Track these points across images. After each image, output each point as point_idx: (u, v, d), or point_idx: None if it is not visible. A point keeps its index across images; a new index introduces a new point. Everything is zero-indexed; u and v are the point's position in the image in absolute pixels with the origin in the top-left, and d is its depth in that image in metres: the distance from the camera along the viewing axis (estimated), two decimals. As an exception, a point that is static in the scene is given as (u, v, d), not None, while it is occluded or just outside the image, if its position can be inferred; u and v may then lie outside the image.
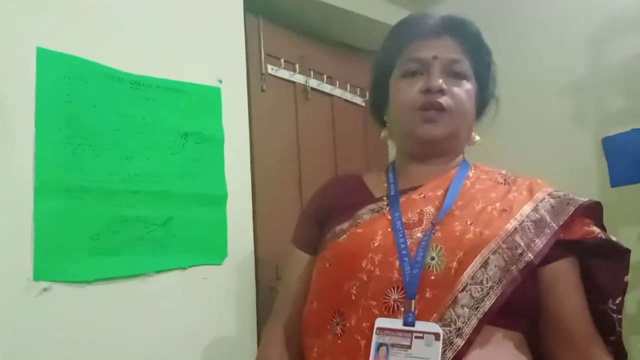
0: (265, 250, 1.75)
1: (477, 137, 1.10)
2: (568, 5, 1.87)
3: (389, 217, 0.96)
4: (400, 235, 0.91)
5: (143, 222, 1.42)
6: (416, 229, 0.93)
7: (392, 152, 2.39)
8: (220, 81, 1.67)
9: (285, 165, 1.96)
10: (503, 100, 1.97)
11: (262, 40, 1.92)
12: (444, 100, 0.97)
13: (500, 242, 0.87)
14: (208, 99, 1.63)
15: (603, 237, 0.91)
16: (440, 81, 0.97)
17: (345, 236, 0.98)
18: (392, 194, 1.02)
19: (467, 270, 0.84)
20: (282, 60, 1.99)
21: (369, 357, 0.83)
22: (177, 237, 1.49)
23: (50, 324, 1.24)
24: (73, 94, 1.34)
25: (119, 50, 1.45)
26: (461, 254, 0.86)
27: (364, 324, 0.86)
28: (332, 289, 0.93)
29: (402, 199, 1.00)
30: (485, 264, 0.85)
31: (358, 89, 2.29)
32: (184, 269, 1.50)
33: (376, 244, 0.93)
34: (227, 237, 1.62)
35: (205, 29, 1.67)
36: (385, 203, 1.01)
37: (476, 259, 0.85)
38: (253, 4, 1.85)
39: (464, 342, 0.80)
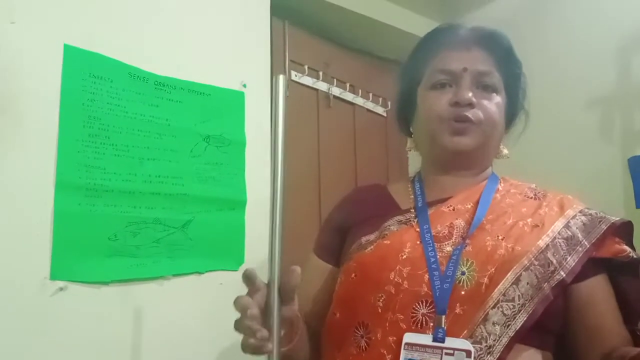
0: (283, 259, 1.72)
1: (506, 151, 1.08)
2: (596, 17, 1.84)
3: (417, 229, 0.94)
4: (430, 249, 0.89)
5: (162, 225, 1.41)
6: (446, 243, 0.91)
7: (412, 163, 2.37)
8: (245, 85, 1.66)
9: (305, 173, 1.95)
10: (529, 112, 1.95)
11: (287, 46, 1.90)
12: (473, 113, 0.96)
13: (532, 259, 0.86)
14: (231, 103, 1.62)
15: (635, 256, 0.90)
16: (470, 94, 0.96)
17: (372, 247, 0.96)
18: (419, 205, 1.00)
19: (498, 287, 0.83)
20: (306, 67, 1.98)
21: None
22: (195, 240, 1.47)
23: (64, 323, 1.23)
24: (97, 92, 1.33)
25: (144, 51, 1.45)
26: (492, 269, 0.85)
27: (391, 338, 0.84)
28: (357, 300, 0.92)
29: (430, 211, 0.98)
30: (517, 281, 0.84)
31: (380, 99, 2.27)
32: (201, 273, 1.48)
33: (404, 256, 0.91)
34: (244, 243, 1.60)
35: (231, 32, 1.66)
36: (413, 215, 0.99)
37: (508, 275, 0.84)
38: (280, 8, 1.84)
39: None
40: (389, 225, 0.99)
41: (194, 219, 1.48)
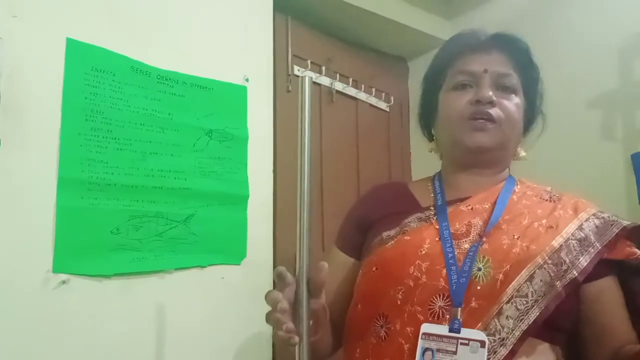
0: (284, 253, 1.73)
1: (523, 153, 1.12)
2: (598, 17, 1.83)
3: (437, 226, 0.98)
4: (448, 245, 0.93)
5: (164, 219, 1.41)
6: (464, 240, 0.95)
7: (415, 159, 2.37)
8: (247, 80, 1.66)
9: (308, 168, 1.94)
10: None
11: (289, 41, 1.90)
12: (493, 111, 0.99)
13: (546, 258, 0.89)
14: (234, 97, 1.62)
15: None
16: (490, 93, 0.99)
17: (392, 242, 1.00)
18: (439, 203, 1.04)
19: (512, 283, 0.87)
20: (309, 62, 1.97)
21: None
22: (197, 235, 1.47)
23: (67, 316, 1.23)
24: (100, 86, 1.33)
25: (147, 45, 1.45)
26: (508, 266, 0.88)
27: (409, 329, 0.88)
28: (378, 293, 0.96)
29: (449, 210, 1.01)
30: (530, 278, 0.87)
31: (383, 94, 2.27)
32: (203, 267, 1.49)
33: (423, 251, 0.95)
34: (246, 237, 1.60)
35: (234, 26, 1.66)
36: (433, 212, 1.03)
37: (522, 273, 0.87)
38: (283, 3, 1.84)
39: (507, 351, 0.83)
40: (409, 222, 1.02)
41: (196, 213, 1.48)
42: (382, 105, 2.27)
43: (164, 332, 1.40)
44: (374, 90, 2.23)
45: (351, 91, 2.14)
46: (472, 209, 1.00)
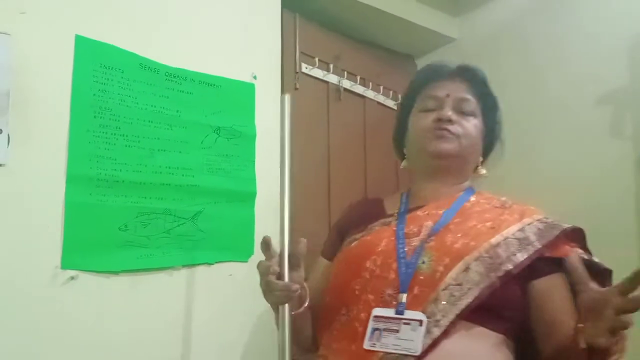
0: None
1: (484, 171, 1.26)
2: (606, 14, 1.81)
3: (394, 228, 1.14)
4: (401, 242, 1.08)
5: (172, 215, 1.41)
6: (415, 238, 1.09)
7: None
8: (255, 77, 1.66)
9: (315, 165, 1.94)
10: (539, 108, 1.94)
11: (297, 38, 1.90)
12: (452, 127, 1.16)
13: (483, 252, 1.01)
14: (242, 95, 1.62)
15: (585, 257, 1.05)
16: (450, 113, 1.16)
17: (356, 242, 1.17)
18: (401, 210, 1.20)
19: (450, 273, 0.99)
20: (317, 60, 1.97)
21: (364, 340, 1.00)
22: (205, 232, 1.48)
23: (75, 312, 1.24)
24: (108, 83, 1.33)
25: (155, 42, 1.45)
26: (447, 259, 1.01)
27: (362, 314, 1.03)
28: (342, 286, 1.11)
29: (408, 215, 1.17)
30: (466, 269, 0.99)
31: (391, 92, 2.26)
32: (211, 264, 1.49)
33: (380, 248, 1.10)
34: (254, 234, 1.60)
35: (242, 24, 1.66)
36: (395, 218, 1.18)
37: (459, 264, 1.00)
38: (291, 0, 1.84)
39: (441, 332, 0.94)
40: (374, 226, 1.19)
41: (204, 210, 1.48)
42: (390, 103, 2.26)
43: (171, 328, 1.40)
44: (381, 88, 2.22)
45: (359, 89, 2.13)
46: (427, 214, 1.15)
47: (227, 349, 1.49)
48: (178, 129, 1.46)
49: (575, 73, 1.87)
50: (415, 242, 1.08)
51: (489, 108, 1.24)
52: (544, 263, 1.04)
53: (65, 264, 1.23)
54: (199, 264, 1.47)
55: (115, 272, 1.31)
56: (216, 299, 1.48)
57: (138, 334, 1.34)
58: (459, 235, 1.05)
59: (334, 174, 1.98)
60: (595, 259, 1.06)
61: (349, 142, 2.09)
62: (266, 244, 1.03)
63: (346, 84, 2.09)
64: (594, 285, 0.92)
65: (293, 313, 1.03)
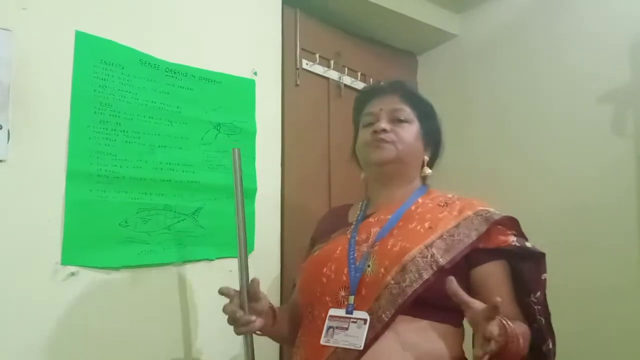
0: (292, 247, 1.73)
1: (429, 171, 1.36)
2: (609, 12, 1.80)
3: (349, 236, 1.26)
4: (352, 250, 1.21)
5: (172, 212, 1.42)
6: (364, 245, 1.21)
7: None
8: (255, 73, 1.66)
9: (316, 162, 1.94)
10: (540, 106, 1.93)
11: (298, 34, 1.90)
12: (387, 136, 1.27)
13: (418, 253, 1.12)
14: (242, 91, 1.62)
15: (518, 244, 1.15)
16: (383, 124, 1.28)
17: (318, 251, 1.31)
18: (358, 219, 1.32)
19: (390, 274, 1.10)
20: (317, 56, 1.97)
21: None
22: (205, 228, 1.48)
23: (76, 307, 1.24)
24: (109, 78, 1.33)
25: (155, 38, 1.45)
26: (387, 262, 1.12)
27: (323, 314, 1.17)
28: (307, 289, 1.26)
29: (361, 223, 1.29)
30: (403, 270, 1.10)
31: (392, 88, 2.25)
32: (211, 260, 1.49)
33: (335, 255, 1.23)
34: (254, 231, 1.60)
35: (242, 20, 1.66)
36: (353, 226, 1.29)
37: (397, 266, 1.11)
38: (291, -4, 1.84)
39: (382, 326, 1.07)
40: (335, 235, 1.31)
41: (204, 206, 1.48)
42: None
43: (172, 324, 1.40)
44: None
45: (359, 85, 2.13)
46: (377, 220, 1.26)
47: (228, 345, 1.49)
48: (178, 125, 1.46)
49: (576, 71, 1.86)
50: (364, 248, 1.20)
51: (423, 113, 1.34)
52: (481, 252, 1.16)
53: (66, 260, 1.23)
54: (199, 260, 1.47)
55: (116, 268, 1.31)
56: (216, 295, 1.47)
57: (138, 330, 1.34)
58: (400, 238, 1.16)
59: (334, 170, 1.98)
60: (528, 245, 1.16)
61: (350, 139, 2.08)
62: (223, 292, 1.17)
63: (347, 80, 2.08)
64: (474, 304, 0.98)
65: (270, 328, 1.23)
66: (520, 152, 2.01)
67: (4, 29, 1.20)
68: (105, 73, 1.33)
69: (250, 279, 1.17)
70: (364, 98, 1.41)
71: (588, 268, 1.73)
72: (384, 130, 1.27)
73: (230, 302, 1.16)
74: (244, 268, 1.17)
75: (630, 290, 1.63)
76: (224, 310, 1.14)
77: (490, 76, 2.18)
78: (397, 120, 1.30)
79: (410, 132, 1.30)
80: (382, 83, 1.45)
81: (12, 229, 1.18)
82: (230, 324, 1.14)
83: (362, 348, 1.06)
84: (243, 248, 1.18)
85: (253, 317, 1.13)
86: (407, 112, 1.31)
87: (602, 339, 1.66)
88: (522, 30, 2.07)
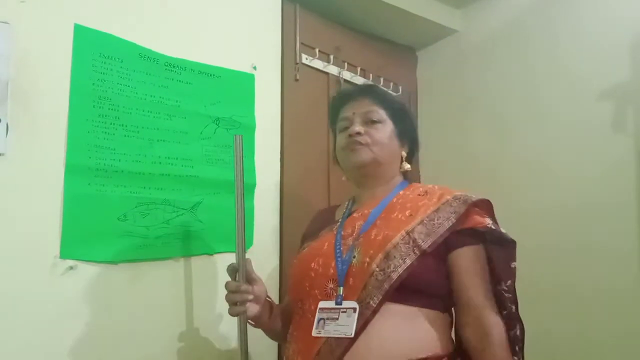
0: (291, 242, 1.72)
1: (408, 166, 1.39)
2: (609, 9, 1.80)
3: (335, 232, 1.30)
4: (338, 244, 1.25)
5: (171, 206, 1.41)
6: (349, 238, 1.25)
7: (423, 148, 2.35)
8: (255, 67, 1.65)
9: (315, 157, 1.94)
10: (540, 103, 1.93)
11: (297, 29, 1.89)
12: (362, 139, 1.31)
13: (399, 239, 1.15)
14: (241, 85, 1.62)
15: (493, 227, 1.17)
16: (357, 128, 1.32)
17: (306, 249, 1.35)
18: (344, 216, 1.36)
19: (375, 262, 1.14)
20: (317, 50, 1.96)
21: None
22: (204, 222, 1.48)
23: (74, 301, 1.24)
24: (107, 72, 1.33)
25: (155, 32, 1.45)
26: (371, 251, 1.16)
27: (312, 307, 1.20)
28: (297, 285, 1.29)
29: (347, 219, 1.32)
30: (387, 257, 1.14)
31: (391, 83, 2.25)
32: (210, 255, 1.49)
33: (322, 251, 1.26)
34: (253, 225, 1.60)
35: (242, 14, 1.65)
36: (339, 223, 1.33)
37: (380, 254, 1.14)
38: (291, -10, 1.83)
39: (370, 312, 1.10)
40: (322, 233, 1.35)
41: (203, 201, 1.48)
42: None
43: (171, 319, 1.40)
44: (382, 79, 2.22)
45: (359, 80, 2.13)
46: (361, 214, 1.30)
47: (226, 340, 1.49)
48: (177, 119, 1.45)
49: (577, 68, 1.86)
50: (350, 241, 1.24)
51: (396, 112, 1.38)
52: (458, 236, 1.18)
53: (64, 254, 1.23)
54: (198, 255, 1.47)
55: (115, 262, 1.31)
56: (216, 289, 1.48)
57: (137, 323, 1.34)
58: (382, 228, 1.20)
59: (333, 165, 1.97)
60: (502, 230, 1.18)
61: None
62: (231, 268, 1.24)
63: (346, 75, 2.08)
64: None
65: (266, 320, 1.30)
66: (519, 148, 2.01)
67: (2, 23, 1.19)
68: (104, 67, 1.33)
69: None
70: (337, 104, 1.44)
71: (587, 267, 1.73)
72: (358, 134, 1.31)
73: (232, 278, 1.23)
74: (240, 246, 1.22)
75: (630, 290, 1.63)
76: (226, 286, 1.21)
77: (490, 72, 2.17)
78: (370, 122, 1.33)
79: (384, 131, 1.34)
80: (352, 88, 1.50)
81: (11, 222, 1.17)
82: (228, 302, 1.20)
83: (352, 335, 1.09)
84: (241, 237, 1.22)
85: (250, 289, 1.20)
86: (379, 113, 1.35)
87: (601, 338, 1.67)
88: (522, 26, 2.07)
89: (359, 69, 2.13)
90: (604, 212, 1.72)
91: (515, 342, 1.14)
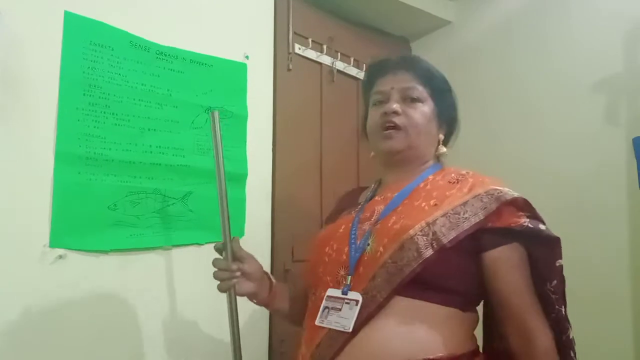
0: (282, 232, 1.73)
1: (444, 149, 1.28)
2: (601, 2, 1.80)
3: (354, 215, 1.21)
4: (354, 229, 1.16)
5: (162, 195, 1.41)
6: (366, 223, 1.16)
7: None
8: (247, 57, 1.64)
9: (307, 147, 1.94)
10: (533, 96, 1.93)
11: (291, 19, 1.88)
12: (398, 119, 1.19)
13: (418, 230, 1.05)
14: (233, 75, 1.61)
15: (530, 225, 1.05)
16: (395, 105, 1.20)
17: (323, 231, 1.27)
18: (367, 199, 1.27)
19: (388, 252, 1.05)
20: (310, 40, 1.95)
21: None
22: (195, 212, 1.48)
23: (64, 290, 1.24)
24: (98, 60, 1.32)
25: (146, 20, 1.43)
26: (386, 240, 1.07)
27: (323, 294, 1.12)
28: (312, 269, 1.21)
29: (369, 202, 1.23)
30: (401, 248, 1.04)
31: (385, 74, 2.25)
32: (201, 244, 1.49)
33: (337, 234, 1.19)
34: (245, 216, 1.60)
35: (234, 2, 1.64)
36: (360, 206, 1.25)
37: (395, 244, 1.05)
38: (284, -20, 1.82)
39: (375, 306, 1.02)
40: (343, 215, 1.27)
41: (194, 190, 1.48)
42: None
43: (161, 308, 1.40)
44: (375, 70, 2.21)
45: (352, 71, 2.12)
46: (383, 198, 1.20)
47: (217, 330, 1.49)
48: (169, 108, 1.45)
49: (570, 59, 1.86)
50: (366, 226, 1.15)
51: (438, 91, 1.26)
52: (491, 235, 1.07)
53: (54, 243, 1.23)
54: (189, 244, 1.47)
55: (105, 251, 1.31)
56: (206, 279, 1.47)
57: (127, 313, 1.34)
58: (403, 216, 1.10)
59: (325, 156, 1.98)
60: (542, 227, 1.07)
61: (342, 124, 2.08)
62: (218, 250, 1.20)
63: (340, 65, 2.08)
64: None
65: (265, 296, 1.25)
66: (511, 142, 2.01)
67: (-9, 9, 1.18)
68: (94, 55, 1.32)
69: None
70: (373, 75, 1.32)
71: (579, 262, 1.73)
72: (395, 113, 1.19)
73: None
74: (225, 223, 1.19)
75: (623, 288, 1.65)
76: (214, 263, 1.18)
77: (483, 64, 2.17)
78: (409, 100, 1.22)
79: (424, 112, 1.22)
80: (392, 59, 1.33)
81: (0, 210, 1.17)
82: (216, 279, 1.17)
83: (350, 330, 1.02)
84: (226, 218, 1.20)
85: (236, 267, 1.16)
86: (419, 90, 1.23)
87: (597, 337, 1.66)
88: (516, 19, 2.06)
89: (352, 59, 2.13)
90: (596, 202, 1.73)
91: (569, 347, 1.05)
